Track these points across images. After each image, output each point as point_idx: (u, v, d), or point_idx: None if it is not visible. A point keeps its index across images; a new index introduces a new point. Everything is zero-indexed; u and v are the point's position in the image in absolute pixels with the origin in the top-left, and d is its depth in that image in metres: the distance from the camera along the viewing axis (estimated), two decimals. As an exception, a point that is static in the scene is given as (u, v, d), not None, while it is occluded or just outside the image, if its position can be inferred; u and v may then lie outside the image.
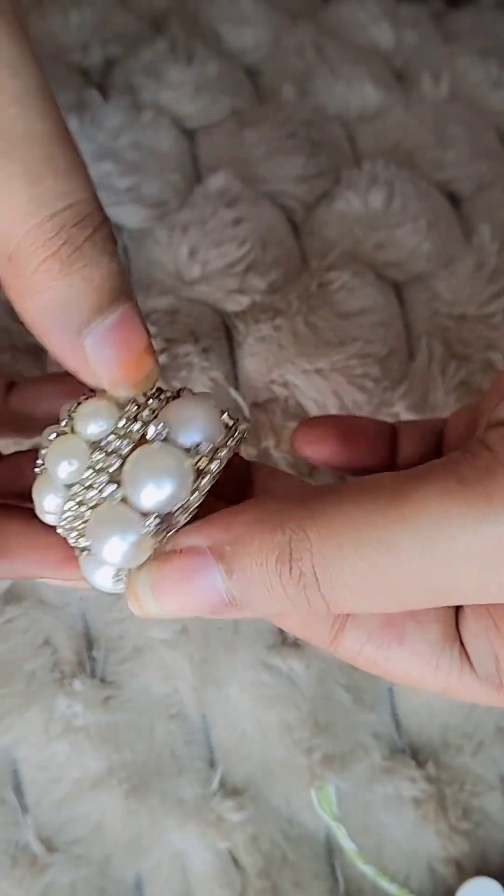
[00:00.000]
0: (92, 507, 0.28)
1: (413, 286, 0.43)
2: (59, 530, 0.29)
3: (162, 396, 0.29)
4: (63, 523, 0.29)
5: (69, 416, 0.29)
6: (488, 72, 0.50)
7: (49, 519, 0.30)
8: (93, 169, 0.42)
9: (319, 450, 0.34)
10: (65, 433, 0.29)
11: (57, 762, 0.38)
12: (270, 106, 0.47)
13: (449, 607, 0.29)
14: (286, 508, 0.26)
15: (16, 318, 0.40)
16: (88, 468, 0.28)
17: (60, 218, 0.26)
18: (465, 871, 0.39)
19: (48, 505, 0.29)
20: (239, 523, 0.26)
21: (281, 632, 0.39)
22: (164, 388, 0.30)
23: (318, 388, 0.41)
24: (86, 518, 0.28)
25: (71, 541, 0.29)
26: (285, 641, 0.39)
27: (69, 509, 0.28)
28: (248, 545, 0.26)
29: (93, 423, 0.29)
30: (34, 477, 0.30)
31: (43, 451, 0.29)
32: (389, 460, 0.35)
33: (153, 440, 0.28)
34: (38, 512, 0.30)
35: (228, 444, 0.29)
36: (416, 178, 0.45)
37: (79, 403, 0.29)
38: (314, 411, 0.41)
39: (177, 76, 0.47)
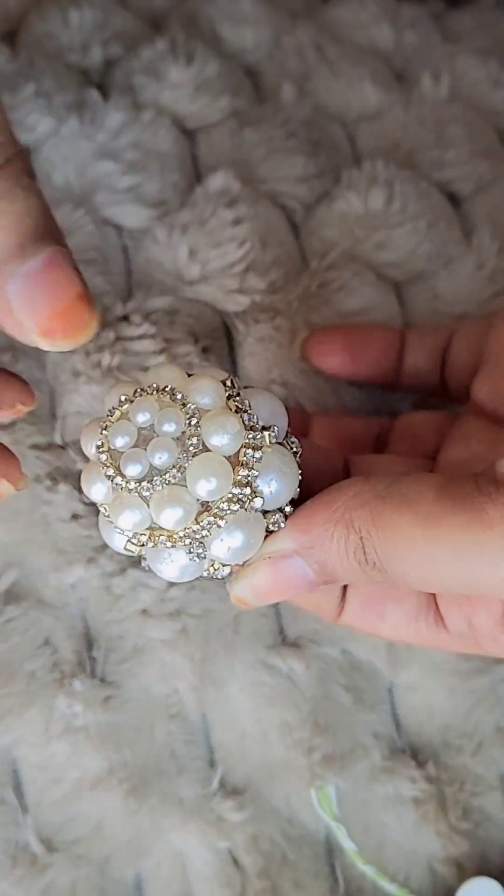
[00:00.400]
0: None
1: (413, 286, 0.43)
2: (139, 536, 0.30)
3: (239, 402, 0.31)
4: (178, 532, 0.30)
5: (192, 432, 0.29)
6: (488, 71, 0.50)
7: (128, 525, 0.30)
8: (93, 169, 0.43)
9: (328, 360, 0.39)
10: (194, 450, 0.29)
11: (57, 762, 0.38)
12: (270, 106, 0.47)
13: None
14: (352, 510, 0.29)
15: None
16: (235, 484, 0.30)
17: None
18: (465, 871, 0.39)
19: (169, 520, 0.29)
20: (317, 525, 0.30)
21: (281, 632, 0.39)
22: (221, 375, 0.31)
23: (317, 388, 0.41)
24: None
25: (148, 543, 0.30)
26: (285, 641, 0.39)
27: (203, 522, 0.30)
28: (328, 545, 0.30)
29: (226, 437, 0.29)
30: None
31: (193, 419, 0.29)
32: (395, 371, 0.39)
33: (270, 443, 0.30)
34: (122, 519, 0.30)
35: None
36: (415, 178, 0.46)
37: (188, 414, 0.30)
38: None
39: (177, 76, 0.47)
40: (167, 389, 0.29)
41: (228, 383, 0.31)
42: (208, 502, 0.29)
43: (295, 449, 0.32)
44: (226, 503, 0.29)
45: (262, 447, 0.30)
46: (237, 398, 0.30)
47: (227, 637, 0.39)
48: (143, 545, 0.30)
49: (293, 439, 0.32)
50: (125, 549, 0.31)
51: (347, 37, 0.51)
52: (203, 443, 0.29)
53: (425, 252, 0.43)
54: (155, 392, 0.29)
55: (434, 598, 0.33)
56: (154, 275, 0.42)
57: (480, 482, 0.29)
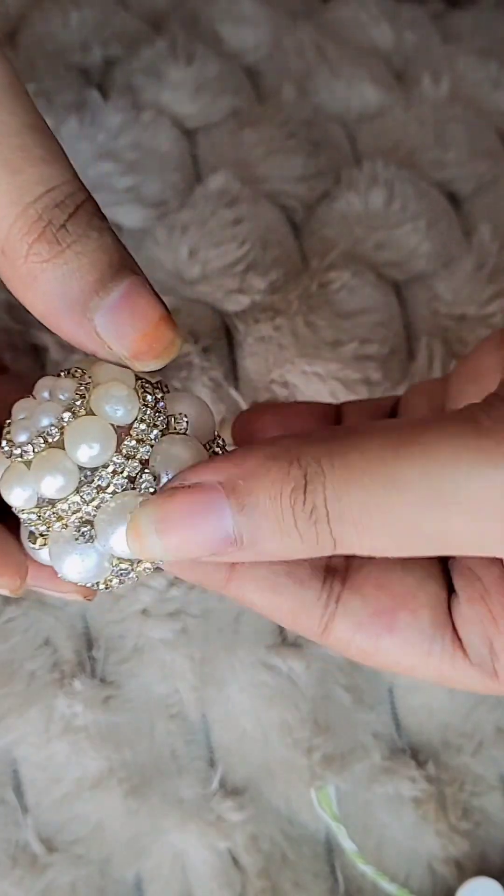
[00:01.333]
0: (110, 494, 0.28)
1: (413, 286, 0.44)
2: (28, 514, 0.28)
3: (150, 389, 0.29)
4: (64, 507, 0.28)
5: (79, 395, 0.28)
6: (488, 72, 0.50)
7: (20, 500, 0.28)
8: (93, 169, 0.43)
9: (259, 439, 0.33)
10: (78, 412, 0.28)
11: (57, 762, 0.38)
12: (270, 106, 0.47)
13: (440, 592, 0.29)
14: (303, 443, 0.26)
15: (15, 318, 0.41)
16: (119, 453, 0.28)
17: (41, 202, 0.27)
18: (465, 870, 0.39)
19: (49, 486, 0.28)
20: (253, 457, 0.26)
21: (281, 632, 0.39)
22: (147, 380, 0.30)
23: (317, 389, 0.41)
24: (91, 505, 0.28)
25: (41, 527, 0.28)
26: (285, 641, 0.39)
27: (82, 495, 0.28)
28: (262, 477, 0.26)
29: (118, 406, 0.28)
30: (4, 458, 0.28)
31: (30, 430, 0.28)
32: None
33: (175, 432, 0.28)
34: (15, 494, 0.28)
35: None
36: (415, 178, 0.46)
37: (81, 383, 0.28)
38: None
39: (177, 76, 0.47)
40: (74, 370, 0.29)
41: (154, 382, 0.30)
42: (92, 472, 0.28)
43: (217, 451, 0.29)
44: (110, 474, 0.28)
45: (162, 430, 0.28)
46: (152, 386, 0.29)
47: (228, 637, 0.39)
48: (42, 535, 0.29)
49: (221, 442, 0.30)
50: (27, 542, 0.29)
51: (347, 37, 0.51)
52: (92, 411, 0.28)
53: (425, 252, 0.44)
54: (64, 374, 0.29)
55: (451, 614, 0.29)
56: (154, 275, 0.42)
57: (476, 407, 0.26)
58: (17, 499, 0.28)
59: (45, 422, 0.28)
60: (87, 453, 0.27)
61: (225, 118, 0.47)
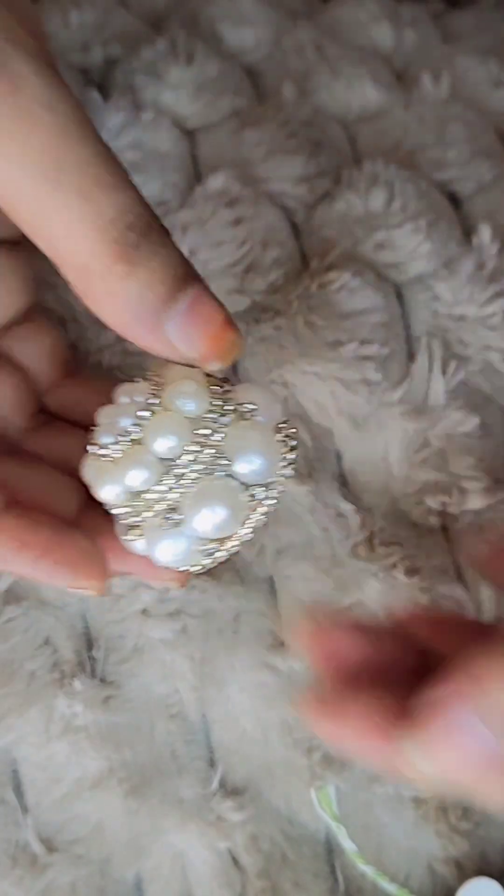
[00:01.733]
0: (191, 480, 0.31)
1: (413, 287, 0.44)
2: (130, 506, 0.32)
3: (217, 383, 0.32)
4: (151, 497, 0.31)
5: (153, 395, 0.31)
6: (489, 71, 0.50)
7: (111, 496, 0.31)
8: None
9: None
10: (155, 410, 0.31)
11: (57, 762, 0.38)
12: (270, 106, 0.47)
13: None
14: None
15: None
16: (194, 443, 0.31)
17: (115, 226, 0.30)
18: (465, 871, 0.39)
19: (134, 479, 0.31)
20: (478, 666, 0.27)
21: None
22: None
23: (317, 389, 0.41)
24: (175, 492, 0.31)
25: (133, 518, 0.32)
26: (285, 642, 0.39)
27: (165, 484, 0.31)
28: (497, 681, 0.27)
29: (189, 401, 0.31)
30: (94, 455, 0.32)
31: (124, 428, 0.31)
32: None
33: (244, 419, 0.31)
34: (106, 490, 0.32)
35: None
36: (416, 178, 0.46)
37: (156, 385, 0.32)
38: (314, 412, 0.41)
39: (177, 76, 0.47)
40: (148, 375, 0.33)
41: (221, 378, 0.33)
42: (172, 463, 0.31)
43: (288, 439, 0.32)
44: (187, 462, 0.31)
45: (232, 416, 0.31)
46: (219, 381, 0.32)
47: (228, 637, 0.39)
48: (135, 527, 0.32)
49: (291, 430, 0.32)
50: (123, 536, 0.32)
51: (347, 37, 0.51)
52: (167, 407, 0.31)
53: (425, 252, 0.43)
54: (139, 380, 0.33)
55: None
56: None
57: None
58: (108, 494, 0.32)
59: (125, 422, 0.32)
60: (164, 445, 0.31)
61: (225, 118, 0.47)
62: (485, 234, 0.44)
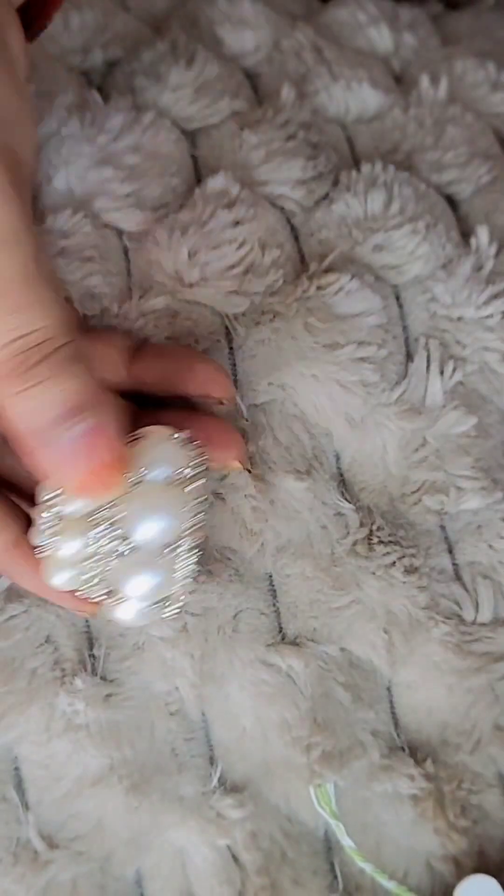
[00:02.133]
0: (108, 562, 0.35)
1: (411, 288, 0.44)
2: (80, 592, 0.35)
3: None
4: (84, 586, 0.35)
5: (47, 508, 0.35)
6: (487, 73, 0.50)
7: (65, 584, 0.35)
8: (92, 174, 0.43)
9: None
10: (55, 524, 0.35)
11: (58, 760, 0.38)
12: (270, 108, 0.47)
13: None
14: None
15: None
16: (97, 540, 0.35)
17: (16, 345, 0.32)
18: (463, 868, 0.39)
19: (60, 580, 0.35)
20: None
21: (280, 630, 0.40)
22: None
23: (316, 391, 0.41)
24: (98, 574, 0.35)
25: (93, 594, 0.35)
26: (284, 640, 0.40)
27: (89, 571, 0.35)
28: None
29: (79, 502, 0.34)
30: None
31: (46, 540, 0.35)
32: None
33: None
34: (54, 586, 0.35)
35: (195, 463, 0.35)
36: (414, 179, 0.46)
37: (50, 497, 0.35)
38: (312, 412, 0.42)
39: (177, 78, 0.47)
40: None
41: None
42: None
43: (190, 472, 0.35)
44: (95, 563, 0.35)
45: (119, 502, 0.34)
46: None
47: (227, 635, 0.39)
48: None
49: (194, 463, 0.35)
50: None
51: (346, 39, 0.51)
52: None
53: (423, 254, 0.44)
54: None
55: None
56: (154, 276, 0.42)
57: None
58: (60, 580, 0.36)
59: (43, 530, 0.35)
60: (71, 549, 0.35)
61: (224, 120, 0.47)
62: (482, 235, 0.45)
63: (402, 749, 0.40)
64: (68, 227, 0.42)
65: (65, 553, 0.35)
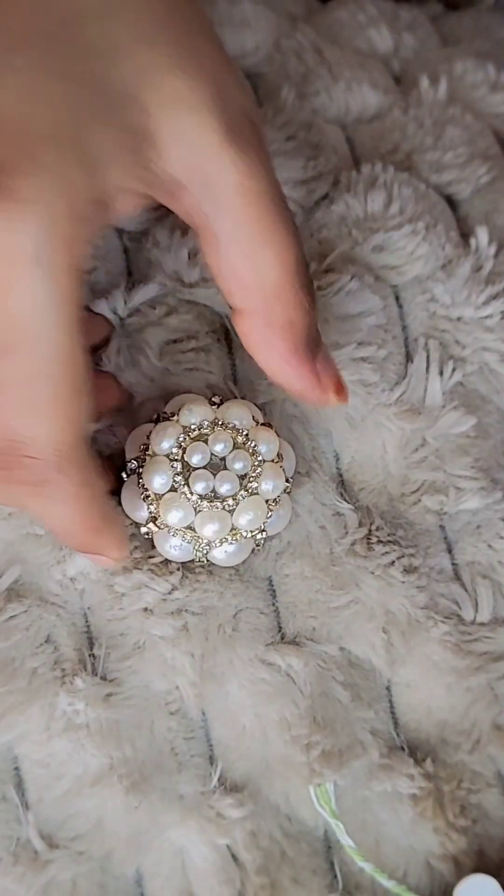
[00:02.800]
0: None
1: (411, 288, 0.44)
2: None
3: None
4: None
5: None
6: (487, 74, 0.50)
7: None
8: None
9: None
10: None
11: (58, 759, 0.38)
12: (270, 108, 0.48)
13: None
14: None
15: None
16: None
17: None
18: (462, 867, 0.39)
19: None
20: None
21: (279, 629, 0.40)
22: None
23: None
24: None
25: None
26: (284, 639, 0.40)
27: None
28: None
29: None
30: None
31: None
32: None
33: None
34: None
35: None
36: (414, 180, 0.46)
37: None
38: (312, 414, 0.42)
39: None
40: (240, 430, 0.39)
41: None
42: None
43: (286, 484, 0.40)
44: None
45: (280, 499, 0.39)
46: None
47: (227, 634, 0.39)
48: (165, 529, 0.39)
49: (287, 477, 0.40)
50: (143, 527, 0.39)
51: (346, 39, 0.51)
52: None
53: (423, 254, 0.44)
54: (229, 430, 0.39)
55: None
56: (154, 276, 0.43)
57: None
58: (174, 519, 0.39)
59: (222, 487, 0.39)
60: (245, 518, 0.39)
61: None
62: (482, 236, 0.45)
63: (402, 748, 0.40)
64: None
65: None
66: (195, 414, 0.38)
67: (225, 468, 0.38)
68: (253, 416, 0.39)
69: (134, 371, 0.41)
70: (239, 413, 0.39)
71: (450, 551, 0.41)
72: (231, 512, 0.38)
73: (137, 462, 0.39)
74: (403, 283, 0.44)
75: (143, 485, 0.38)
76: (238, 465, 0.38)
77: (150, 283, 0.42)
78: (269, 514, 0.39)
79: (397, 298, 0.44)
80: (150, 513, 0.39)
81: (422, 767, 0.39)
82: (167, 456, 0.38)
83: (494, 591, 0.41)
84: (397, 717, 0.40)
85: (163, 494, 0.38)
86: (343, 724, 0.39)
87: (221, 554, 0.39)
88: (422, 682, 0.40)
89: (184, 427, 0.38)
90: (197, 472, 0.38)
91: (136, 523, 0.39)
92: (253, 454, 0.38)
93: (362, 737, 0.39)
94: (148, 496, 0.38)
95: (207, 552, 0.39)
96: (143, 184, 0.34)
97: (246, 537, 0.39)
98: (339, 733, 0.39)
